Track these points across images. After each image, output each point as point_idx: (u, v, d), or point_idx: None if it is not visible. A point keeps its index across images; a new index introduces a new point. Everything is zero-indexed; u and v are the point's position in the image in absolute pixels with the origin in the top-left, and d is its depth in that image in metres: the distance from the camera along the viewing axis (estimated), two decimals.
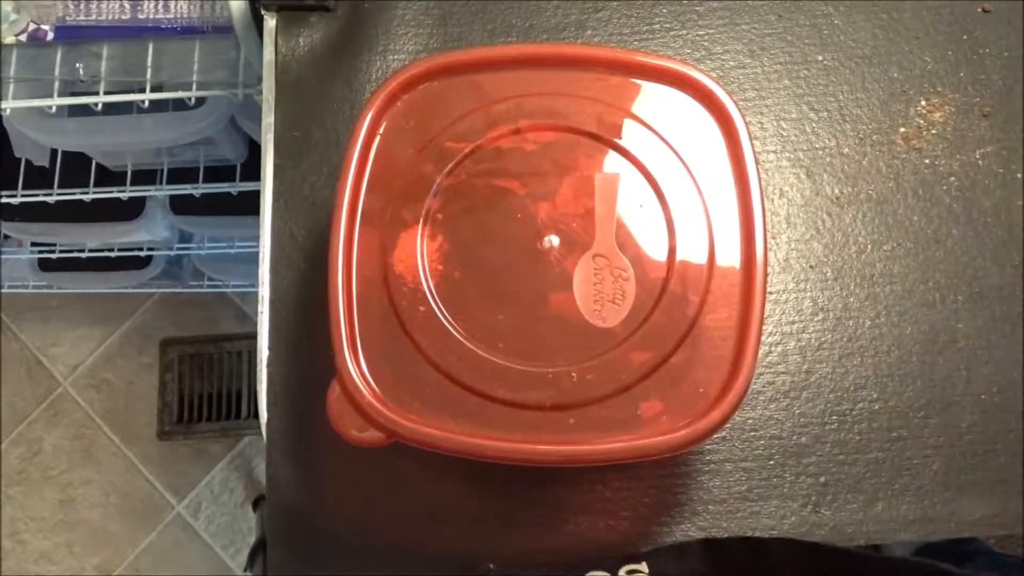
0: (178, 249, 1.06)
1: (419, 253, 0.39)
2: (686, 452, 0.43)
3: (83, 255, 1.03)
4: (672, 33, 0.51)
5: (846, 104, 0.50)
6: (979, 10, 0.51)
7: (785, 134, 0.49)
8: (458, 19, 0.51)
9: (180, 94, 0.70)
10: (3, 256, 1.08)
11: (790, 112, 0.50)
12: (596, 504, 0.44)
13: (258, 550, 0.86)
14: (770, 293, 0.47)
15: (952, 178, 0.49)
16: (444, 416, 0.37)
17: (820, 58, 0.51)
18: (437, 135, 0.40)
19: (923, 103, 0.50)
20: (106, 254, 1.03)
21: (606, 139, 0.40)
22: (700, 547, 0.42)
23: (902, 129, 0.49)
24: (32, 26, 0.70)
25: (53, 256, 1.05)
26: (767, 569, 0.41)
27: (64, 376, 1.28)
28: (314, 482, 0.45)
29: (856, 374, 0.46)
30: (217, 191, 0.88)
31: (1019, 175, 0.49)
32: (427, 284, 0.38)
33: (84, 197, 0.87)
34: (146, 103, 0.71)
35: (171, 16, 0.70)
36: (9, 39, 0.69)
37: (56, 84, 0.70)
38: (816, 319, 0.47)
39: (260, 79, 0.52)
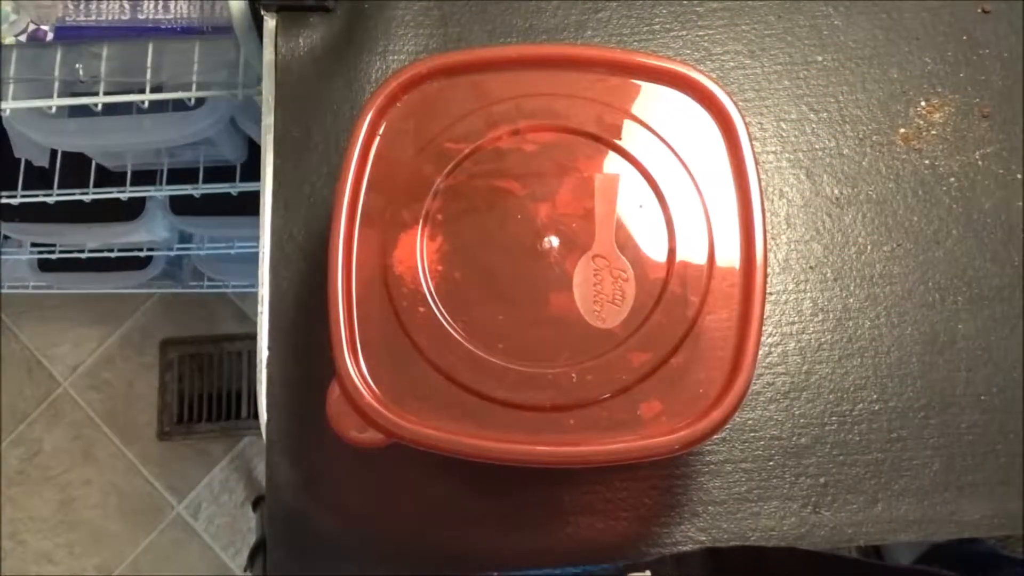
0: (178, 249, 1.06)
1: (419, 254, 0.38)
2: (686, 453, 0.43)
3: (83, 255, 1.03)
4: (672, 34, 0.51)
5: (846, 105, 0.50)
6: (979, 10, 0.51)
7: (785, 135, 0.49)
8: (458, 20, 0.51)
9: (180, 94, 0.70)
10: (3, 256, 1.08)
11: (790, 113, 0.50)
12: (596, 505, 0.44)
13: (258, 550, 0.85)
14: (770, 294, 0.47)
15: (952, 179, 0.49)
16: (444, 417, 0.37)
17: (820, 59, 0.50)
18: (437, 136, 0.40)
19: (923, 104, 0.50)
20: (106, 254, 1.03)
21: (606, 140, 0.40)
22: (701, 556, 0.42)
23: (902, 130, 0.49)
24: (32, 26, 0.70)
25: (53, 256, 1.05)
26: None
27: (64, 376, 1.28)
28: (314, 482, 0.45)
29: (856, 375, 0.46)
30: (217, 191, 0.88)
31: (1019, 176, 0.49)
32: (427, 285, 0.38)
33: (84, 198, 0.87)
34: (146, 104, 0.71)
35: (171, 16, 0.70)
36: (9, 39, 0.69)
37: (56, 85, 0.70)
38: (816, 320, 0.47)
39: (260, 79, 0.52)
